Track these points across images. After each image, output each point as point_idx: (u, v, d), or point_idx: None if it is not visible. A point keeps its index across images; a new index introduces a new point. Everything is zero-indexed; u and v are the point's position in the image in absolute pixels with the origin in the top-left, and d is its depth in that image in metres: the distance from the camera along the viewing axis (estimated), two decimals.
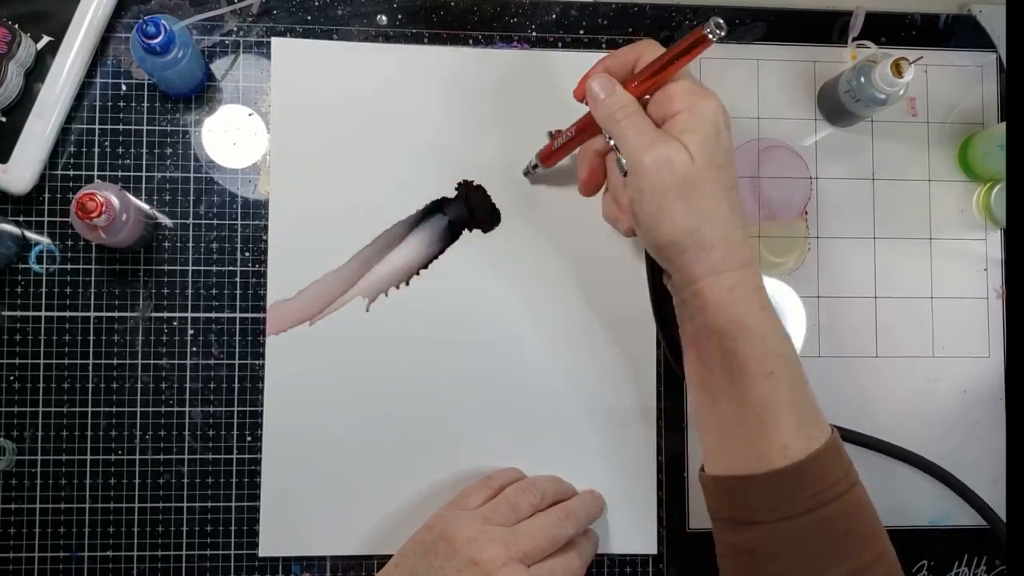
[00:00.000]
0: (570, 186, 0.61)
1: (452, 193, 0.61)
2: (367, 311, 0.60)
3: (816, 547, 0.45)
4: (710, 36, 0.45)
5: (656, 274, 0.51)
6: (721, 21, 0.45)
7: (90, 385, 0.58)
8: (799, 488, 0.45)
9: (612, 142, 0.49)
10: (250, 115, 0.60)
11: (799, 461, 0.45)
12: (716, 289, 0.46)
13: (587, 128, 0.52)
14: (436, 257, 0.60)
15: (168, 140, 0.60)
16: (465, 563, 0.48)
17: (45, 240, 0.59)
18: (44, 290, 0.58)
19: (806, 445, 0.45)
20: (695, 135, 0.46)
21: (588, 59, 0.62)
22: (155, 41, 0.52)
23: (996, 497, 0.62)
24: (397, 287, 0.60)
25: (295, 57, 0.61)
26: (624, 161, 0.47)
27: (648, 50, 0.49)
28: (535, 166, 0.59)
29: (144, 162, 0.59)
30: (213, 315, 0.59)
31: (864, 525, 0.47)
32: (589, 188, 0.53)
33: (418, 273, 0.60)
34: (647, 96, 0.49)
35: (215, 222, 0.60)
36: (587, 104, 0.50)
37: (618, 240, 0.61)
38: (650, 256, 0.50)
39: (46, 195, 0.59)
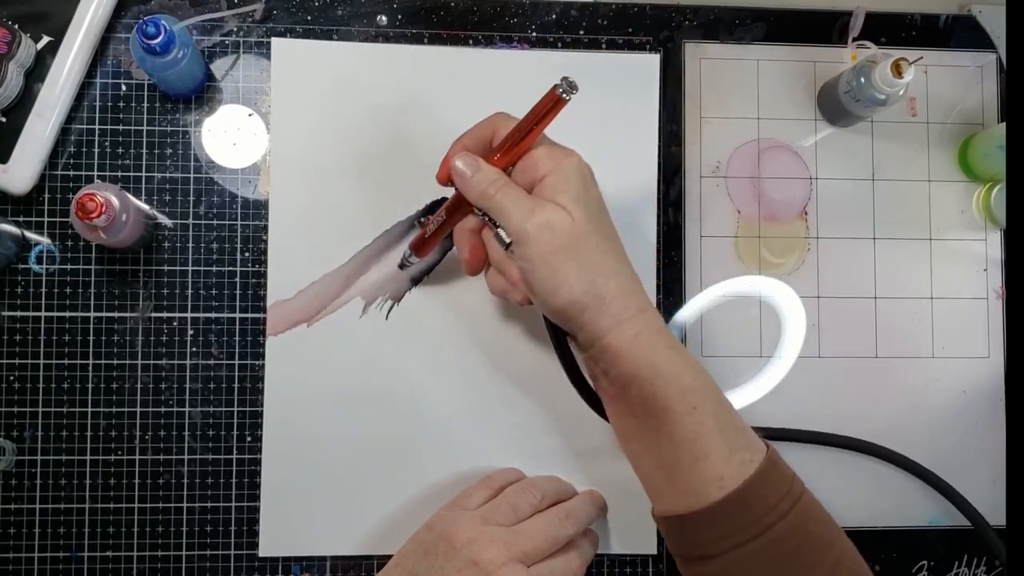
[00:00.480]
0: None
1: (452, 193, 0.61)
2: (366, 312, 0.60)
3: (773, 568, 0.45)
4: (564, 96, 0.46)
5: (560, 337, 0.51)
6: (573, 80, 0.46)
7: (90, 385, 0.58)
8: (742, 516, 0.45)
9: (486, 218, 0.49)
10: (250, 115, 0.60)
11: (736, 489, 0.45)
12: (622, 340, 0.46)
13: (457, 208, 0.52)
14: (436, 264, 0.60)
15: (168, 140, 0.60)
16: (465, 563, 0.48)
17: (45, 240, 0.59)
18: (44, 290, 0.58)
19: (740, 471, 0.45)
20: (567, 193, 0.47)
21: (588, 59, 0.62)
22: (155, 41, 0.52)
23: (996, 497, 0.62)
24: (398, 300, 0.60)
25: (295, 57, 0.61)
26: (504, 234, 0.47)
27: (502, 122, 0.50)
28: (409, 257, 0.57)
29: (144, 162, 0.59)
30: (213, 315, 0.59)
31: (815, 537, 0.46)
32: (474, 267, 0.53)
33: (415, 286, 0.60)
34: (510, 167, 0.49)
35: (215, 222, 0.60)
36: (453, 186, 0.50)
37: None
38: (550, 321, 0.50)
39: (46, 195, 0.59)
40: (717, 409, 0.47)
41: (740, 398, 0.61)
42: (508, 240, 0.47)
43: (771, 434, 0.60)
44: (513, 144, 0.49)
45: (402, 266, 0.59)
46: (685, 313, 0.62)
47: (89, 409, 0.58)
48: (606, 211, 0.49)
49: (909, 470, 0.61)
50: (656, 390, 0.46)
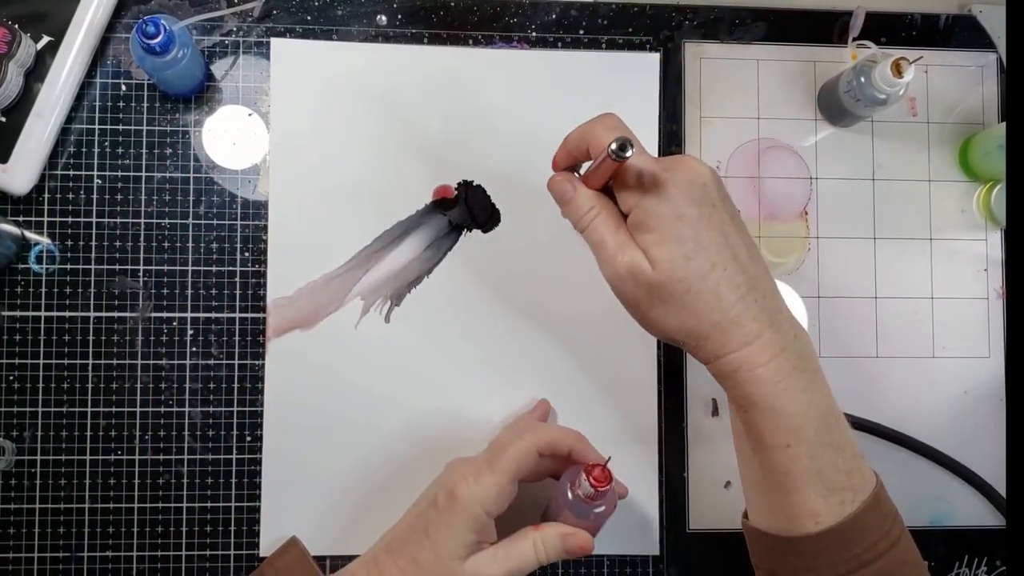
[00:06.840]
0: None
1: (452, 193, 0.61)
2: (366, 313, 0.60)
3: None
4: (618, 159, 0.41)
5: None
6: (624, 142, 0.41)
7: (90, 385, 0.58)
8: (838, 550, 0.44)
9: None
10: (250, 115, 0.60)
11: (831, 527, 0.44)
12: (722, 371, 0.45)
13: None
14: (436, 265, 0.60)
15: (168, 140, 0.60)
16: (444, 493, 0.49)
17: (45, 240, 0.59)
18: (44, 290, 0.58)
19: (838, 511, 0.44)
20: (652, 234, 0.44)
21: (588, 59, 0.62)
22: (155, 41, 0.52)
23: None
24: (398, 300, 0.60)
25: (295, 57, 0.61)
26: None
27: (601, 132, 0.45)
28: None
29: (144, 162, 0.60)
30: (213, 315, 0.59)
31: None
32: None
33: (415, 286, 0.60)
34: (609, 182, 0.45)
35: (215, 222, 0.60)
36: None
37: None
38: None
39: (46, 195, 0.59)
40: (814, 451, 0.44)
41: None
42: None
43: None
44: (595, 180, 0.46)
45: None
46: None
47: (89, 409, 0.58)
48: (714, 237, 0.44)
49: (923, 453, 0.61)
50: (750, 418, 0.45)
